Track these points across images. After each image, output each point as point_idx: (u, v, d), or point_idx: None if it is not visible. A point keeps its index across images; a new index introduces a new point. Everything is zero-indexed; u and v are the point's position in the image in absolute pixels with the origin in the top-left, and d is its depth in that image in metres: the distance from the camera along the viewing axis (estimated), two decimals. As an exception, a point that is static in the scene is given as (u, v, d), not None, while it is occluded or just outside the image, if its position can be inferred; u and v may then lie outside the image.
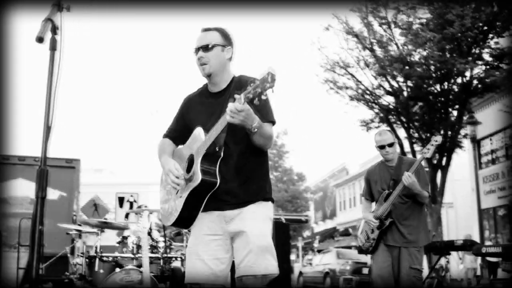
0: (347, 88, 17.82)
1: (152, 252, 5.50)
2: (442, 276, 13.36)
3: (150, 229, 5.70)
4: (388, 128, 16.06)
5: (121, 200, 9.19)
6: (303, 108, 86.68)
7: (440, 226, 16.63)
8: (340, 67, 17.62)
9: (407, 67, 15.82)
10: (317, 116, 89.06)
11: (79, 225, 6.62)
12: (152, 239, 5.65)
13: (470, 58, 15.10)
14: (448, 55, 15.47)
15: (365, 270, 15.55)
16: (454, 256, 13.69)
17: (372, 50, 16.92)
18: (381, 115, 17.73)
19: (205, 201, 2.69)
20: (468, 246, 6.59)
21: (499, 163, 20.36)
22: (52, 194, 8.72)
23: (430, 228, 15.49)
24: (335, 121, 78.32)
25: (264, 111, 2.64)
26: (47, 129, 2.42)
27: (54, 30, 2.51)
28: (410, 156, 15.68)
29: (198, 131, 2.75)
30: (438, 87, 16.45)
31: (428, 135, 16.61)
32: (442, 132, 16.36)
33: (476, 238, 16.68)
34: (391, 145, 4.63)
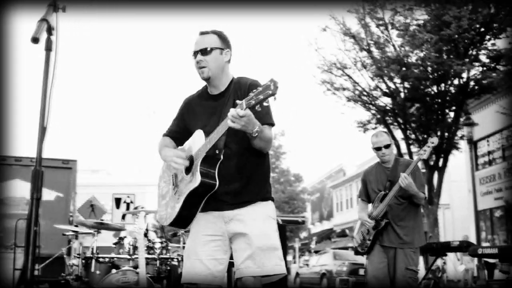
0: (344, 89, 17.80)
1: (148, 253, 5.51)
2: (439, 277, 13.36)
3: (147, 230, 5.71)
4: (385, 130, 16.06)
5: (117, 201, 9.20)
6: (300, 109, 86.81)
7: (437, 227, 16.65)
8: (337, 68, 17.60)
9: (404, 69, 15.83)
10: (314, 117, 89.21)
11: (76, 226, 6.61)
12: (149, 240, 5.66)
13: (467, 60, 15.11)
14: (445, 57, 15.49)
15: (362, 271, 15.55)
16: (451, 257, 13.68)
17: (369, 51, 16.91)
18: (378, 116, 17.74)
19: (203, 202, 2.69)
20: (464, 247, 6.61)
21: (495, 165, 20.41)
22: (49, 195, 8.71)
23: (426, 229, 15.51)
24: (332, 122, 78.57)
25: (263, 114, 2.64)
26: (42, 130, 2.41)
27: (50, 30, 2.50)
28: (406, 157, 15.75)
29: (198, 134, 2.75)
30: (435, 88, 16.45)
31: (425, 136, 16.65)
32: (439, 133, 16.38)
33: (473, 239, 16.69)
34: (387, 146, 4.64)
